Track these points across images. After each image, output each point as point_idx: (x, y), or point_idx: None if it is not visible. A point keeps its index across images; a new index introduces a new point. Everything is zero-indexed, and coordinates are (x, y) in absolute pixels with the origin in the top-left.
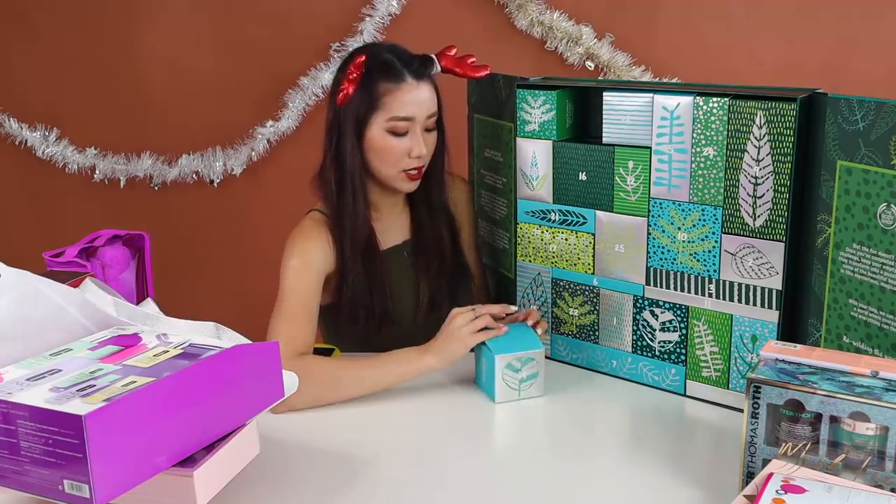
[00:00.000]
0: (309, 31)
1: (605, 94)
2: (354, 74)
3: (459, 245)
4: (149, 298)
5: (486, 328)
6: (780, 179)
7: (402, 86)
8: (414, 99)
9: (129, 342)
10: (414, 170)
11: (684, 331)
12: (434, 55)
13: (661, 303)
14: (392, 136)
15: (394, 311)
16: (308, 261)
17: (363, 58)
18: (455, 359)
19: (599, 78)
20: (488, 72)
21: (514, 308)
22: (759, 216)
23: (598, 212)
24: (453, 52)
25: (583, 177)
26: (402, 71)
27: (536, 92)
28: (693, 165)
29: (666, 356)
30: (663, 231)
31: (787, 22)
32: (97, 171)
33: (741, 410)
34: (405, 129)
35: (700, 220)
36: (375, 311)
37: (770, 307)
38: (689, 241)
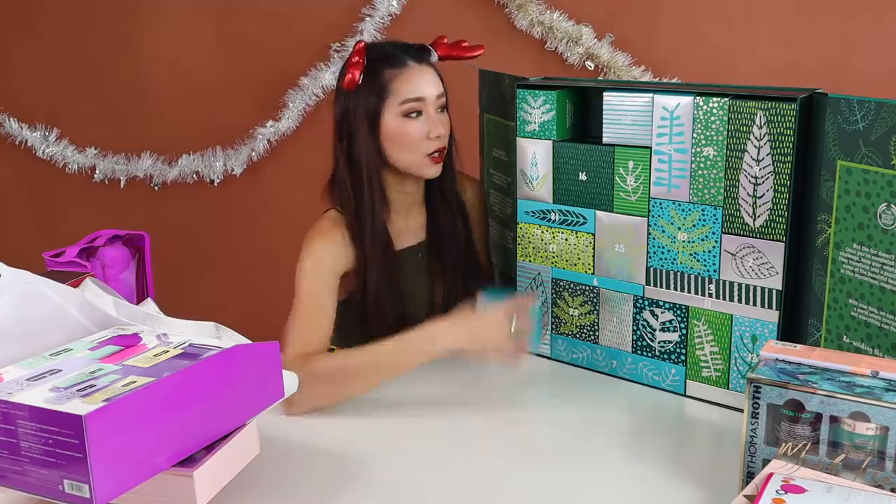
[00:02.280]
0: (309, 31)
1: (605, 94)
2: (357, 59)
3: (473, 244)
4: (149, 298)
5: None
6: (780, 179)
7: (407, 69)
8: (421, 79)
9: (129, 342)
10: (436, 152)
11: (684, 331)
12: (429, 45)
13: (661, 303)
14: (407, 121)
15: (408, 313)
16: (321, 260)
17: (362, 43)
18: (485, 350)
19: (599, 78)
20: (483, 51)
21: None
22: (759, 216)
23: (598, 212)
24: (445, 39)
25: (583, 177)
26: (403, 56)
27: (536, 92)
28: (693, 165)
29: (666, 356)
30: (663, 231)
31: (787, 22)
32: (97, 171)
33: (741, 410)
34: (418, 110)
35: (700, 220)
36: (391, 314)
37: (770, 307)
38: (689, 241)
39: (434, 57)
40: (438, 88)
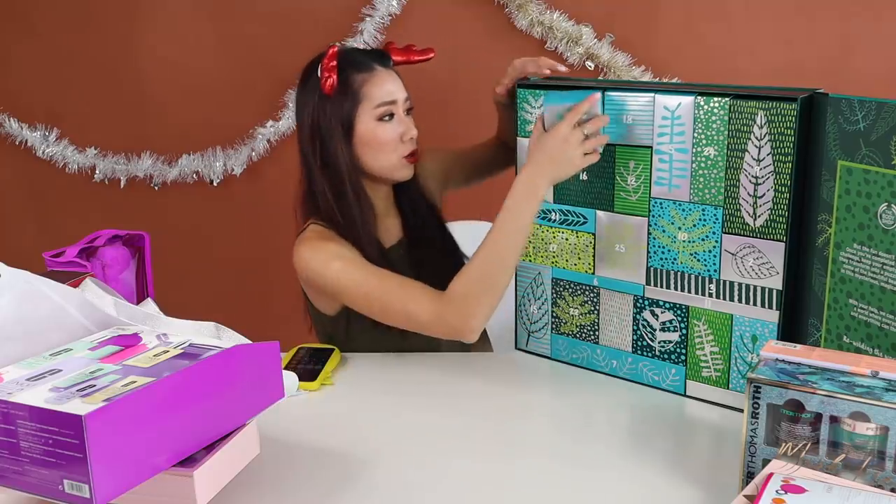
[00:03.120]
0: (309, 31)
1: (605, 93)
2: (333, 63)
3: (447, 230)
4: (149, 298)
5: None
6: (780, 179)
7: (375, 73)
8: (390, 82)
9: (129, 342)
10: (410, 153)
11: (684, 331)
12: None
13: (661, 303)
14: (380, 124)
15: None
16: (342, 254)
17: (336, 47)
18: (575, 167)
19: (599, 78)
20: (433, 54)
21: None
22: (759, 216)
23: (598, 211)
24: (394, 44)
25: (583, 176)
26: (370, 62)
27: (537, 91)
28: (694, 165)
29: (666, 356)
30: (664, 231)
31: (787, 22)
32: (97, 171)
33: (741, 410)
34: (391, 113)
35: (700, 219)
36: None
37: (770, 307)
38: (689, 241)
39: (391, 61)
40: (404, 91)
